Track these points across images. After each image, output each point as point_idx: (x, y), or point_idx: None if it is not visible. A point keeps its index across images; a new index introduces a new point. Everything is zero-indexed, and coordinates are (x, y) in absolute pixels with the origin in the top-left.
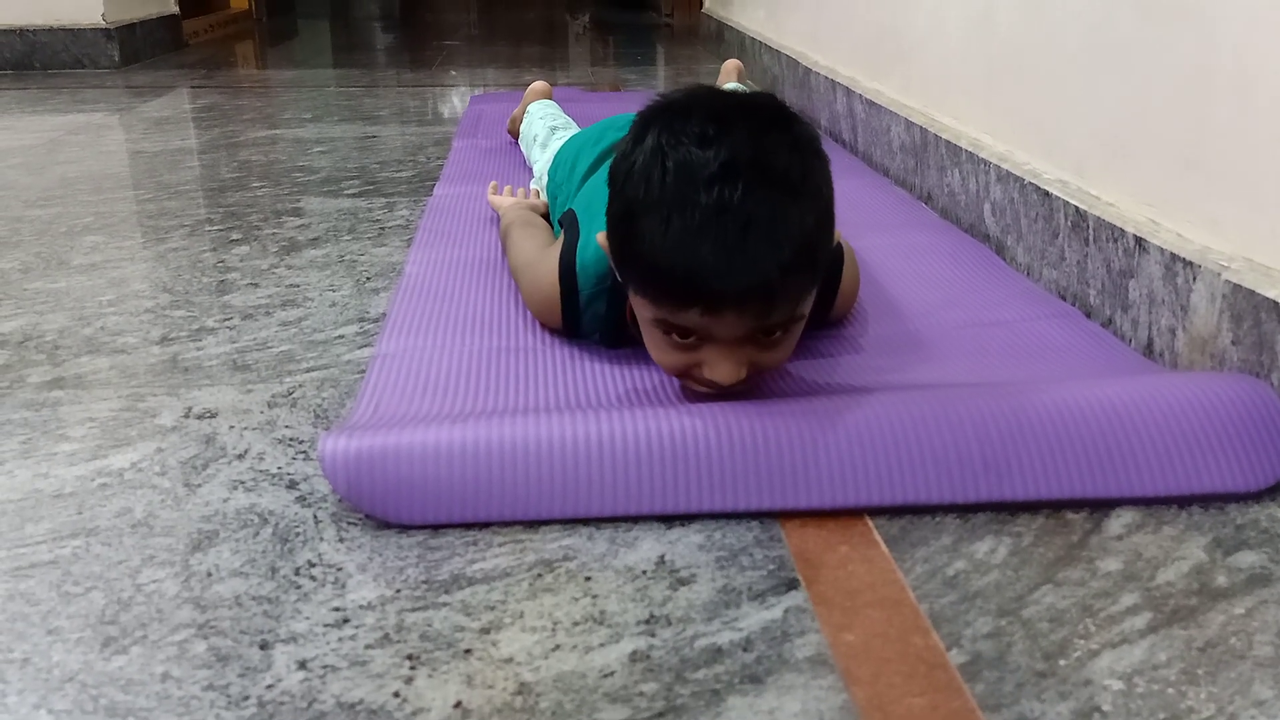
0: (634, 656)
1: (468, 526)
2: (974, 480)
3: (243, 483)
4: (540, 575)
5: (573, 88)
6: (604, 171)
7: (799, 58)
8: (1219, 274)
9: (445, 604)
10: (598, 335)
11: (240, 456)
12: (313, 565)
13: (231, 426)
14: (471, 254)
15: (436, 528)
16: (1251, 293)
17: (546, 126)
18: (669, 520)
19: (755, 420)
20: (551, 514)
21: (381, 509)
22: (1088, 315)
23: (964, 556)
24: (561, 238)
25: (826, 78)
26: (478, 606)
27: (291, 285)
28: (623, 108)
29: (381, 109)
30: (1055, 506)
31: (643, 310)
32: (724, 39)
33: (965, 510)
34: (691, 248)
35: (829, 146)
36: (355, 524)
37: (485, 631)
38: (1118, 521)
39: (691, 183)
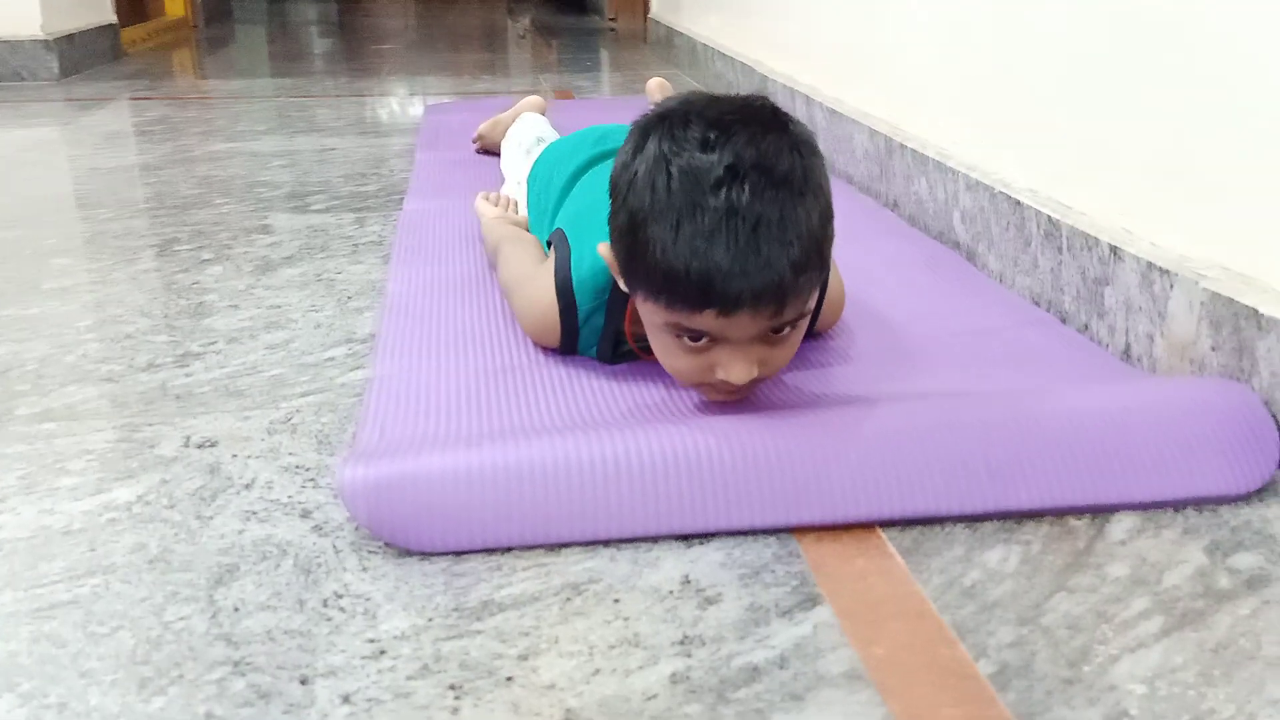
0: (674, 678)
1: (490, 552)
2: (981, 490)
3: (255, 513)
4: (569, 599)
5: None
6: (585, 185)
7: (755, 65)
8: (1197, 281)
9: (479, 631)
10: (594, 351)
11: (248, 486)
12: (340, 596)
13: (234, 455)
14: (454, 271)
15: (459, 554)
16: (1231, 300)
17: (534, 136)
18: (687, 539)
19: (769, 436)
20: (573, 537)
21: (403, 537)
22: (1063, 321)
23: (978, 566)
24: (553, 254)
25: (785, 86)
26: (511, 633)
27: (273, 306)
28: (606, 118)
29: (335, 120)
30: (1058, 513)
31: (653, 317)
32: (673, 45)
33: (973, 520)
34: (705, 252)
35: None
36: (376, 552)
37: (524, 658)
38: (1119, 527)
39: (698, 187)
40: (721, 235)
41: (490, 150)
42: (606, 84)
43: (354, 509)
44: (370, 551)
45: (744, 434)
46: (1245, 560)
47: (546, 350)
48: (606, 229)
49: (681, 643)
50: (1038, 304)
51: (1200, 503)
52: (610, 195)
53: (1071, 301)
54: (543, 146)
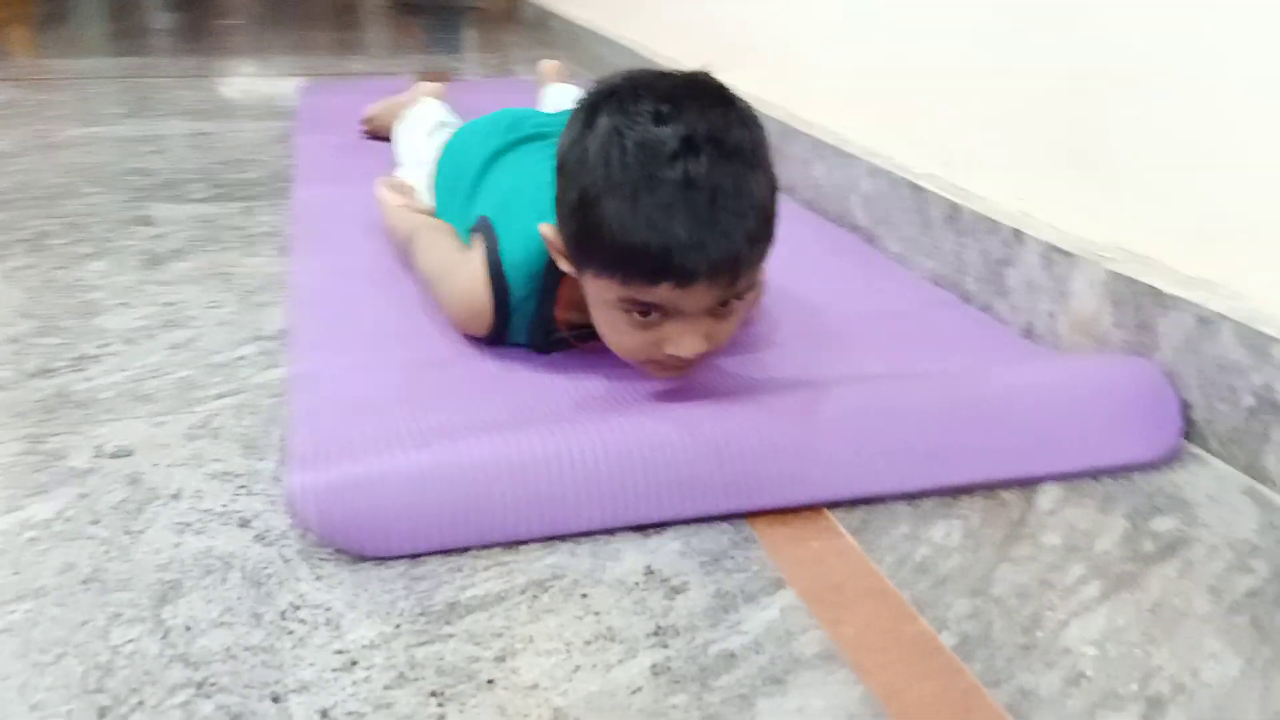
0: (655, 670)
1: (447, 553)
2: (921, 469)
3: (189, 525)
4: (536, 596)
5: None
6: (503, 170)
7: (639, 49)
8: (1098, 262)
9: (450, 635)
10: (525, 338)
11: (175, 497)
12: (297, 608)
13: (154, 464)
14: (360, 261)
15: (415, 557)
16: (1132, 280)
17: (434, 120)
18: (644, 529)
19: (721, 424)
20: (532, 533)
21: (358, 542)
22: (966, 301)
23: (925, 542)
24: (480, 241)
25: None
26: (484, 634)
27: (168, 303)
28: (500, 101)
29: (202, 103)
30: (990, 487)
31: (605, 293)
32: (549, 27)
33: (913, 497)
34: (663, 224)
35: None
36: (328, 560)
37: (501, 659)
38: (1046, 497)
39: (655, 160)
40: (679, 207)
41: (380, 135)
42: (481, 66)
43: (304, 516)
44: (321, 559)
45: (697, 423)
46: (1164, 524)
47: (472, 341)
48: (534, 213)
49: (656, 633)
50: (940, 285)
51: (1116, 471)
52: (557, 173)
53: (974, 283)
54: (446, 131)
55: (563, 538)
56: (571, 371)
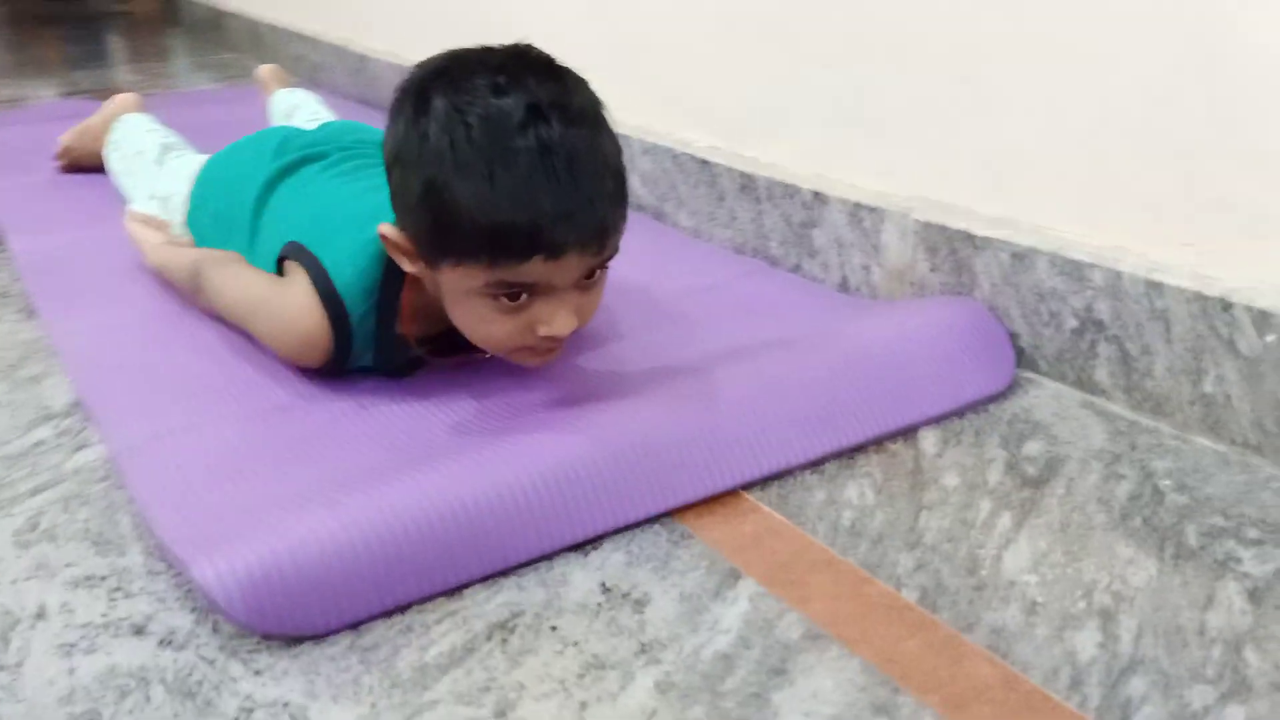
0: (660, 687)
1: (388, 614)
2: (819, 436)
3: (74, 645)
4: (505, 639)
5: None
6: (291, 195)
7: (347, 44)
8: (907, 214)
9: (435, 701)
10: (372, 360)
11: (40, 616)
12: (250, 711)
13: None
14: (130, 311)
15: (355, 626)
16: (943, 227)
17: (158, 143)
18: (580, 548)
19: (629, 424)
20: (471, 575)
21: (295, 623)
22: (773, 265)
23: (845, 505)
24: (296, 266)
25: (390, 62)
26: (470, 692)
27: None
28: (202, 115)
29: None
30: (877, 442)
31: (468, 281)
32: (223, 26)
33: (815, 465)
34: (526, 196)
35: None
36: (258, 650)
37: (502, 714)
38: (928, 443)
39: (504, 131)
40: (539, 177)
41: (83, 165)
42: (145, 76)
43: (230, 607)
44: (251, 651)
45: (603, 429)
46: (1033, 448)
47: (308, 377)
48: (352, 227)
49: (643, 651)
50: (742, 254)
51: (974, 406)
52: (389, 169)
53: (778, 246)
54: (175, 155)
55: (504, 573)
56: (432, 395)
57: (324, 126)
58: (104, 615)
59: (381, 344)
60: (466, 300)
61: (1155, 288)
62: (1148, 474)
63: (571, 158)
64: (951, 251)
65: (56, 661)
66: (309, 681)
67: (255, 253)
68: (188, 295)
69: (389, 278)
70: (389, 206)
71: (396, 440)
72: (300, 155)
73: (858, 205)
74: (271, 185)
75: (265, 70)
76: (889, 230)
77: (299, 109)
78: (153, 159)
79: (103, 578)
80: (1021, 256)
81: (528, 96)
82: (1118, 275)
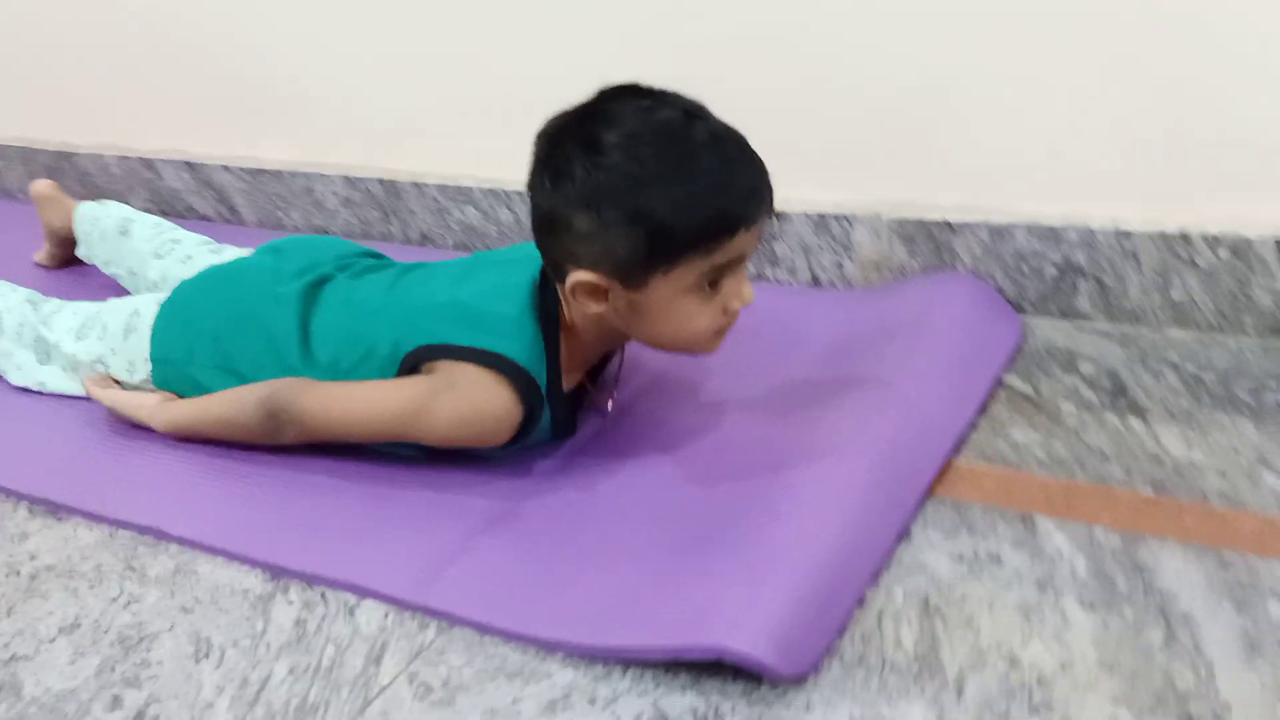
0: None
1: (839, 631)
2: (923, 480)
3: None
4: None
5: None
6: (346, 307)
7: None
8: (878, 215)
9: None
10: (549, 419)
11: None
12: None
13: None
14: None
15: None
16: (919, 221)
17: (169, 236)
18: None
19: (846, 494)
20: (866, 585)
21: (811, 662)
22: None
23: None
24: (448, 366)
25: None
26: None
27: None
28: None
29: None
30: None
31: (685, 279)
32: None
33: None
34: (722, 181)
35: None
36: (785, 695)
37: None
38: (1003, 403)
39: (680, 137)
40: (724, 162)
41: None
42: None
43: (776, 663)
44: (780, 697)
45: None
46: (1088, 368)
47: (485, 482)
48: (481, 313)
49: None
50: None
51: (1016, 356)
52: (565, 224)
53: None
54: (179, 248)
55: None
56: (606, 460)
57: (279, 245)
58: None
59: (555, 404)
60: (675, 302)
61: (1124, 235)
62: (1172, 364)
63: (738, 142)
64: (929, 237)
65: None
66: (853, 699)
67: (323, 368)
68: (257, 435)
69: (549, 342)
70: (481, 287)
71: (661, 503)
72: (316, 276)
73: (822, 215)
74: (310, 307)
75: (40, 186)
76: (860, 230)
77: (149, 225)
78: (153, 253)
79: (590, 701)
80: (1000, 231)
81: (673, 107)
82: (1091, 231)
